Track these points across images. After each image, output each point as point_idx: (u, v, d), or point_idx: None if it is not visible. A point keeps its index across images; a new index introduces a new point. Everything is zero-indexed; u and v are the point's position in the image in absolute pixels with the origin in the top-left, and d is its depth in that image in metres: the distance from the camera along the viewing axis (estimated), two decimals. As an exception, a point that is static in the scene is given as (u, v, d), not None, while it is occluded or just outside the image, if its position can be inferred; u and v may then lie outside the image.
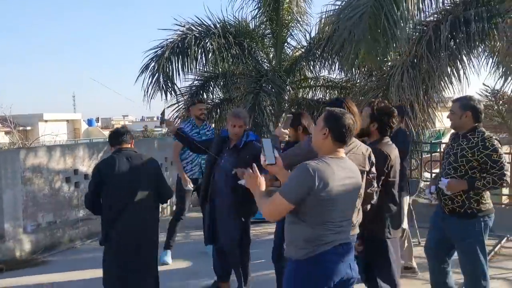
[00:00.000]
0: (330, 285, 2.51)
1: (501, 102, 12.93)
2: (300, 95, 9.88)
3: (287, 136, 3.86)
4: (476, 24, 6.50)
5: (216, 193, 4.34)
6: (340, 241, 2.55)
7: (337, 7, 7.23)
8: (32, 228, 5.81)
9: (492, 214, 3.48)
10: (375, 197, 3.17)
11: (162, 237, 5.28)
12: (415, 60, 6.97)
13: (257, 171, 2.60)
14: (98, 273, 3.87)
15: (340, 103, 3.14)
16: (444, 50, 6.69)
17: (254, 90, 8.16)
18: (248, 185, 2.62)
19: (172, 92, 8.83)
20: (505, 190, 8.01)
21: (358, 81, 8.90)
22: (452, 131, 3.70)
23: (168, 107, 9.37)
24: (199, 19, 8.97)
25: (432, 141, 9.41)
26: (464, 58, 7.07)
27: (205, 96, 9.32)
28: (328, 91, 9.77)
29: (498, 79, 7.12)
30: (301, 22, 9.52)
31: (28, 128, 27.66)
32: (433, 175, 6.73)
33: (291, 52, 9.89)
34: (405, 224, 4.64)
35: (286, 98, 9.40)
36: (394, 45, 6.53)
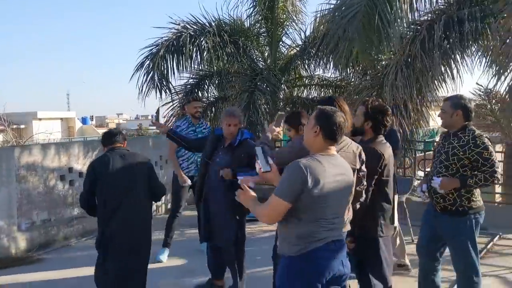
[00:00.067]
0: (323, 281, 2.53)
1: (494, 101, 12.99)
2: (295, 94, 9.92)
3: (279, 134, 3.88)
4: (470, 23, 6.55)
5: (211, 191, 4.36)
6: (332, 238, 2.57)
7: (332, 6, 7.27)
8: (26, 226, 5.80)
9: (483, 212, 3.53)
10: (364, 195, 3.18)
11: (156, 235, 5.30)
12: (409, 60, 7.01)
13: (247, 188, 2.67)
14: (93, 271, 3.88)
15: (331, 102, 3.16)
16: (438, 49, 6.73)
17: (249, 88, 8.18)
18: (242, 201, 2.70)
19: (167, 90, 8.84)
20: (498, 189, 8.10)
21: (353, 80, 8.94)
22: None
23: (163, 105, 9.40)
24: (194, 17, 9.00)
25: (426, 140, 9.48)
26: (458, 57, 7.12)
27: (200, 94, 9.32)
28: (322, 89, 9.82)
29: (492, 78, 7.17)
30: (296, 21, 9.59)
31: (22, 126, 27.51)
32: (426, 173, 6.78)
33: (286, 51, 9.94)
34: (396, 222, 4.67)
35: (281, 96, 9.44)
36: (387, 44, 6.57)
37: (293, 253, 2.54)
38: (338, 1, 6.99)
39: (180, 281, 4.89)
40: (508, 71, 6.30)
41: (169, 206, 7.55)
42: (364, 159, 3.15)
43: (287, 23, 9.60)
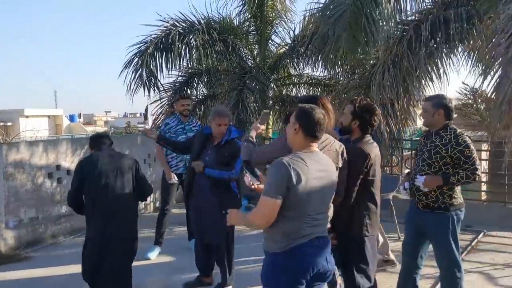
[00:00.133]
0: (307, 278, 2.57)
1: (479, 100, 13.12)
2: (284, 92, 9.94)
3: (263, 132, 3.91)
4: (456, 24, 6.62)
5: (199, 189, 4.40)
6: (316, 234, 2.61)
7: (320, 5, 7.30)
8: (14, 224, 5.78)
9: (463, 208, 3.61)
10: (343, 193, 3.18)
11: (145, 233, 5.32)
12: (396, 59, 7.05)
13: (233, 210, 2.76)
14: (80, 268, 3.90)
15: (314, 100, 3.18)
16: (425, 49, 6.80)
17: (238, 86, 8.19)
18: (233, 223, 2.77)
19: (155, 88, 8.81)
20: (483, 187, 8.22)
21: (341, 79, 8.98)
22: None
23: (152, 103, 9.38)
24: (183, 15, 8.97)
25: (413, 138, 9.58)
26: (444, 57, 7.18)
27: (189, 92, 9.31)
28: (311, 88, 9.85)
29: (477, 77, 7.26)
30: (285, 20, 9.59)
31: (9, 123, 27.26)
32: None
33: (275, 49, 9.94)
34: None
35: (270, 95, 9.45)
36: (373, 44, 6.62)
37: (277, 249, 2.58)
38: (327, 0, 7.03)
39: (168, 278, 4.91)
40: (494, 70, 6.38)
41: (157, 204, 7.56)
42: (347, 158, 3.17)
43: (276, 22, 9.61)
